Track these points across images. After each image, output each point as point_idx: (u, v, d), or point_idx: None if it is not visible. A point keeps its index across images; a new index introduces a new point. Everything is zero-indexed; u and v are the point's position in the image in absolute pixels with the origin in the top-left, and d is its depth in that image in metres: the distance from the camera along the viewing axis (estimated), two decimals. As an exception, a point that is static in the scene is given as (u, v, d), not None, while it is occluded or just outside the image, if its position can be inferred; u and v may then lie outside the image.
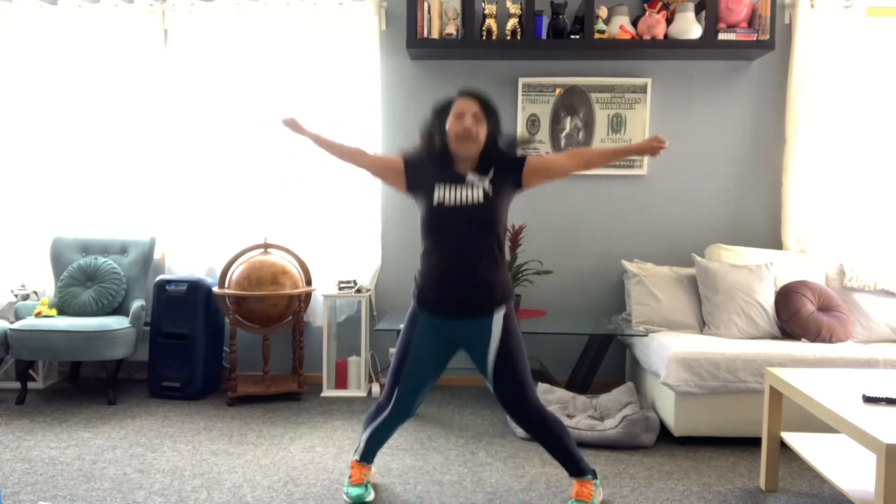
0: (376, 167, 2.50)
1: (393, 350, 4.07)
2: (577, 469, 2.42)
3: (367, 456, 2.57)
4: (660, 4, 3.72)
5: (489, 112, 2.36)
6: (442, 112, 2.39)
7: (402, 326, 2.47)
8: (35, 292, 4.01)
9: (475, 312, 2.35)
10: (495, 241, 2.34)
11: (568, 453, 2.40)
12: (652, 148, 2.37)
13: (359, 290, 3.89)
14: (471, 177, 2.35)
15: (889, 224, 3.87)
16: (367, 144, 3.88)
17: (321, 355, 4.04)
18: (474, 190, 2.33)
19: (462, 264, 2.32)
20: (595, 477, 2.45)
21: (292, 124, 2.59)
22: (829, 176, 3.86)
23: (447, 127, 2.34)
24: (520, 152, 2.49)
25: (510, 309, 2.39)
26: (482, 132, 2.33)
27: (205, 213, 4.01)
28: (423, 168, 2.42)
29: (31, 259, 4.07)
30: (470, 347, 2.39)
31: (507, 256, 2.43)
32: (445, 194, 2.33)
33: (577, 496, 2.42)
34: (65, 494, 2.54)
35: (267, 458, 2.93)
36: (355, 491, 2.51)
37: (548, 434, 2.38)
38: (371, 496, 2.53)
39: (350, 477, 2.55)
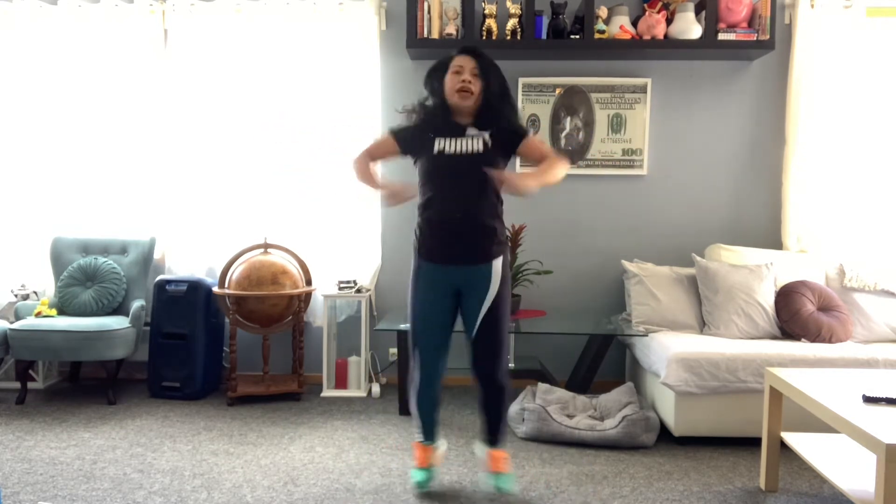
0: (379, 153, 2.56)
1: (393, 350, 4.08)
2: (499, 439, 2.58)
3: (427, 433, 2.62)
4: (660, 4, 3.72)
5: (486, 68, 2.43)
6: (440, 68, 2.48)
7: (408, 293, 2.53)
8: (35, 292, 4.01)
9: (477, 258, 2.42)
10: (493, 190, 2.42)
11: (503, 423, 2.57)
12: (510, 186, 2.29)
13: (359, 290, 3.89)
14: (471, 130, 2.44)
15: (889, 224, 3.87)
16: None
17: (321, 355, 4.04)
18: (474, 141, 2.41)
19: (463, 210, 2.40)
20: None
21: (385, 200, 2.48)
22: (829, 176, 3.86)
23: (445, 82, 2.44)
24: (523, 125, 2.55)
25: (506, 262, 2.48)
26: (478, 87, 2.41)
27: (205, 213, 4.01)
28: (419, 129, 2.48)
29: (31, 259, 4.07)
30: (470, 292, 2.45)
31: (503, 208, 2.52)
32: (446, 144, 2.41)
33: (497, 468, 2.54)
34: (65, 494, 2.54)
35: (267, 458, 2.93)
36: (418, 475, 2.58)
37: (500, 403, 2.53)
38: (434, 480, 2.60)
39: (415, 459, 2.64)
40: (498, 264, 2.45)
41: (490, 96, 2.44)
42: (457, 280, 2.45)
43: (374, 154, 2.55)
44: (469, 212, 2.39)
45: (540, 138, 2.49)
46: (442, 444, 2.74)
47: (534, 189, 2.30)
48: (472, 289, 2.45)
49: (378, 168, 2.61)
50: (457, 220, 2.40)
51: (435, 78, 2.49)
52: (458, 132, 2.43)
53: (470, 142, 2.41)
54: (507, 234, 2.53)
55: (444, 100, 2.46)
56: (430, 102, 2.52)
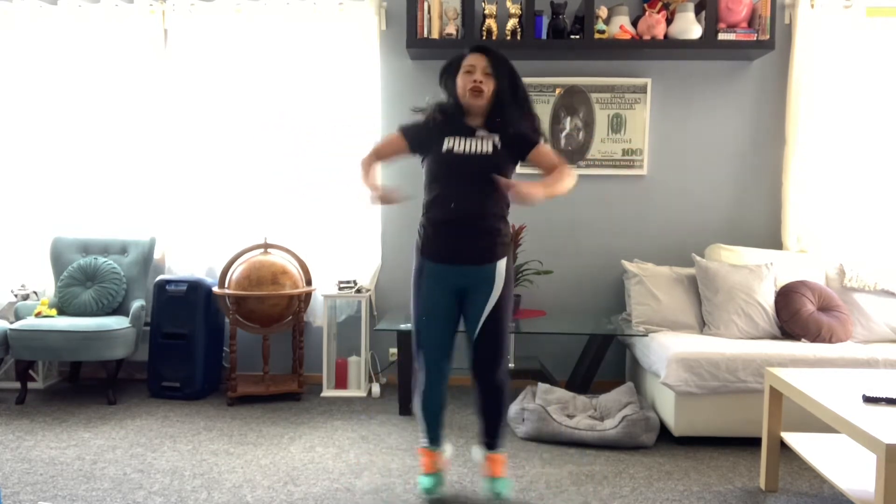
0: (386, 152, 2.54)
1: (393, 350, 4.08)
2: (498, 442, 2.55)
3: (432, 437, 2.58)
4: (660, 4, 3.72)
5: (498, 67, 2.40)
6: (453, 66, 2.45)
7: (410, 295, 2.51)
8: (35, 292, 4.00)
9: (481, 258, 2.40)
10: (501, 193, 2.39)
11: (502, 424, 2.54)
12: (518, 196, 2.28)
13: (359, 290, 3.89)
14: (481, 131, 2.42)
15: (889, 224, 3.87)
16: (367, 143, 3.90)
17: (321, 355, 4.04)
18: (483, 142, 2.39)
19: (469, 212, 2.37)
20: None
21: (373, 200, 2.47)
22: (829, 176, 3.86)
23: (457, 81, 2.41)
24: (533, 133, 2.51)
25: (510, 263, 2.47)
26: (490, 86, 2.39)
27: (205, 213, 4.01)
28: (429, 128, 2.46)
29: (31, 259, 4.07)
30: (473, 293, 2.43)
31: (509, 210, 2.51)
32: (455, 144, 2.39)
33: (495, 472, 2.52)
34: (65, 494, 2.54)
35: (267, 458, 2.93)
36: (425, 481, 2.55)
37: (500, 406, 2.51)
38: (443, 485, 2.58)
39: (421, 465, 2.61)
40: (502, 265, 2.43)
41: (502, 96, 2.41)
42: (460, 281, 2.43)
43: (381, 153, 2.53)
44: (474, 212, 2.37)
45: (550, 146, 2.44)
46: (448, 449, 2.70)
47: (540, 198, 2.28)
48: (475, 290, 2.42)
49: (379, 170, 2.60)
50: (461, 220, 2.37)
51: (447, 76, 2.47)
52: (468, 132, 2.41)
53: (479, 142, 2.39)
54: (511, 236, 2.51)
55: (456, 99, 2.44)
56: (442, 102, 2.50)
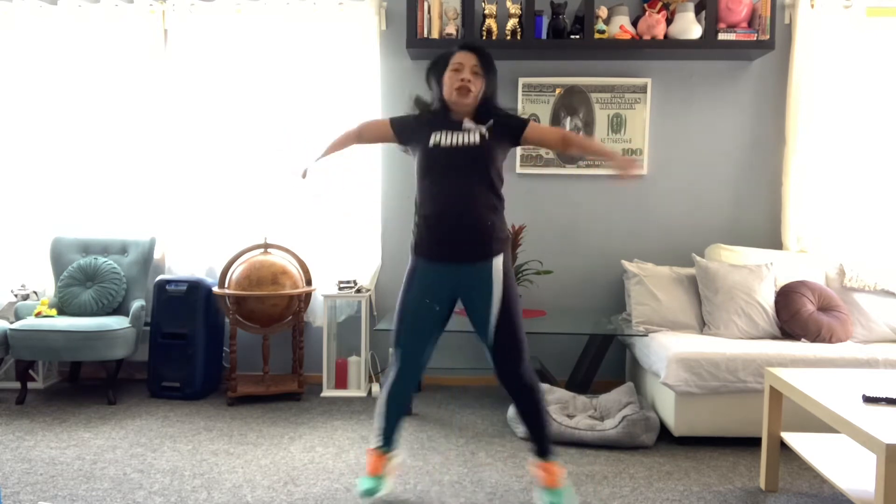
0: (370, 135, 2.55)
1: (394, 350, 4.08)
2: (546, 449, 2.42)
3: (387, 438, 2.52)
4: (660, 4, 3.72)
5: (487, 67, 2.39)
6: (440, 64, 2.44)
7: (400, 290, 2.47)
8: (35, 292, 4.01)
9: (474, 256, 2.35)
10: (492, 184, 2.37)
11: (546, 429, 2.42)
12: (622, 167, 2.40)
13: (359, 290, 3.89)
14: (468, 124, 2.40)
15: (889, 224, 3.87)
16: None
17: (321, 355, 4.04)
18: (471, 134, 2.37)
19: (460, 206, 2.34)
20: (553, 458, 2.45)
21: (305, 173, 2.64)
22: (830, 176, 3.86)
23: (444, 79, 2.39)
24: (521, 115, 2.56)
25: (507, 260, 2.40)
26: (478, 85, 2.38)
27: (205, 213, 4.01)
28: (417, 122, 2.46)
29: (31, 259, 4.07)
30: (470, 295, 2.37)
31: (504, 204, 2.47)
32: (441, 138, 2.37)
33: (548, 483, 2.39)
34: (65, 494, 2.54)
35: (267, 458, 2.93)
36: (366, 483, 2.48)
37: (536, 405, 2.39)
38: (384, 490, 2.51)
39: (367, 465, 2.55)
40: (498, 262, 2.36)
41: (490, 95, 2.41)
42: (454, 282, 2.38)
43: (364, 135, 2.53)
44: (466, 207, 2.33)
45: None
46: (398, 456, 2.61)
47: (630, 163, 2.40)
48: (473, 292, 2.36)
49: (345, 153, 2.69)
50: (453, 215, 2.34)
51: (434, 74, 2.46)
52: (455, 126, 2.39)
53: (466, 135, 2.36)
54: (508, 232, 2.47)
55: (441, 97, 2.43)
56: (427, 103, 2.50)
